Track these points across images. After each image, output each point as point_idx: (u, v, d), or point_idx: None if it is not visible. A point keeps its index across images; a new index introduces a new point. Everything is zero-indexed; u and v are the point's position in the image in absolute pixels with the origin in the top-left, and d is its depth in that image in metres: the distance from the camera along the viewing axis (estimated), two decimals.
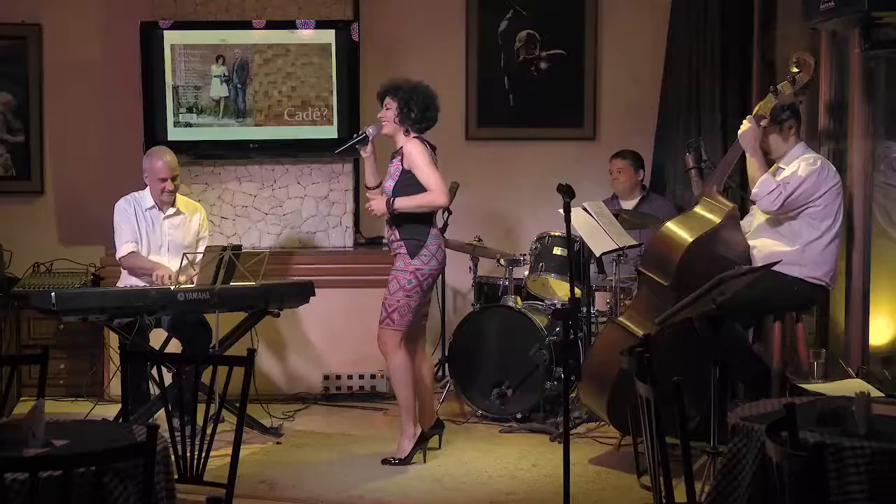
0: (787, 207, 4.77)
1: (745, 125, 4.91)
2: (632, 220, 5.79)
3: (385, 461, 4.88)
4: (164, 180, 5.44)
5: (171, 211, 5.54)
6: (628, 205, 6.26)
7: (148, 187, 5.52)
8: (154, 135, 6.38)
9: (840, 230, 4.86)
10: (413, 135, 4.90)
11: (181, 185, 5.80)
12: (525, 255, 6.00)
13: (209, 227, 5.88)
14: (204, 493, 3.35)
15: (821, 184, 4.76)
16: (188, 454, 3.33)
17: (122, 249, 5.46)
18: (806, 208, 4.78)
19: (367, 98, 6.56)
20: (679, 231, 4.88)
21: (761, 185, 4.79)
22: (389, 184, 4.88)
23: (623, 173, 6.31)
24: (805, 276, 4.79)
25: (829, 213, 4.78)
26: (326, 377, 6.33)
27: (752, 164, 4.88)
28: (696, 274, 4.56)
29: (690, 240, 4.81)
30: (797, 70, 4.87)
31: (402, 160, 4.87)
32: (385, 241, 4.99)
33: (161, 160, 5.44)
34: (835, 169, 4.87)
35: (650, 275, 4.93)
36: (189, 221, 5.61)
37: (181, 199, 5.64)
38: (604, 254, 5.48)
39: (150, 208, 5.51)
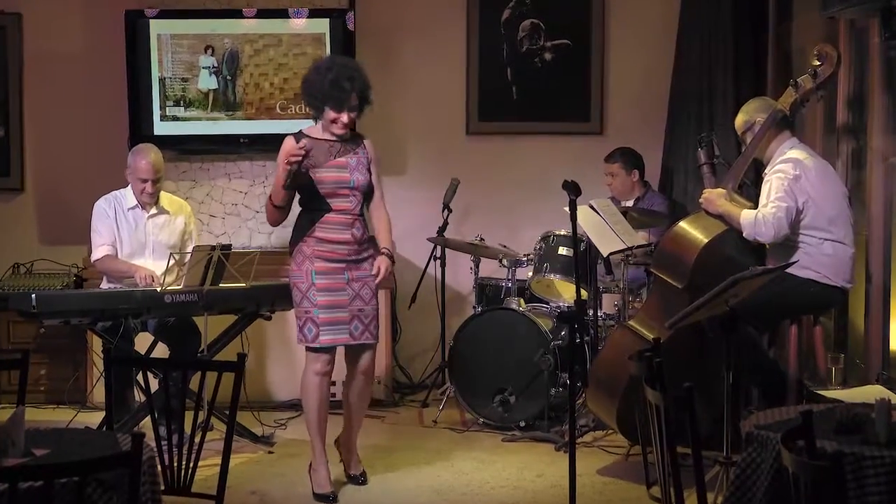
0: (783, 231, 4.73)
1: (708, 195, 4.90)
2: (640, 218, 5.79)
3: (360, 481, 4.80)
4: (144, 181, 5.42)
5: (154, 210, 5.54)
6: (629, 202, 6.25)
7: (130, 185, 5.52)
8: (140, 129, 6.40)
9: (846, 231, 4.81)
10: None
11: (168, 181, 5.82)
12: (529, 255, 6.00)
13: (197, 225, 5.88)
14: None
15: (796, 195, 4.72)
16: (175, 464, 3.33)
17: (97, 252, 5.46)
18: (799, 221, 4.76)
19: None
20: (693, 231, 4.88)
21: (747, 226, 4.75)
22: (362, 178, 4.62)
23: (616, 177, 6.30)
24: (818, 279, 4.78)
25: (820, 220, 4.75)
26: None
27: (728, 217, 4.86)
28: (710, 275, 4.55)
29: (705, 240, 4.81)
30: (818, 63, 4.86)
31: (366, 154, 4.69)
32: (354, 242, 4.61)
33: (145, 159, 5.43)
34: (814, 173, 4.79)
35: (662, 276, 4.93)
36: (174, 221, 5.60)
37: (165, 197, 5.63)
38: (611, 254, 5.47)
39: (133, 208, 5.51)
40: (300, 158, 4.45)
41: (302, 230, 4.63)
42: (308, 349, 4.64)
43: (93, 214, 5.51)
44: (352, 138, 4.66)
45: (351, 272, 4.61)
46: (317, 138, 4.61)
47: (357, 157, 4.65)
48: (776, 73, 6.10)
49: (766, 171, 4.89)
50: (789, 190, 4.70)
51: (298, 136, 4.61)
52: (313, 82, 4.56)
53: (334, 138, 4.62)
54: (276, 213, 4.65)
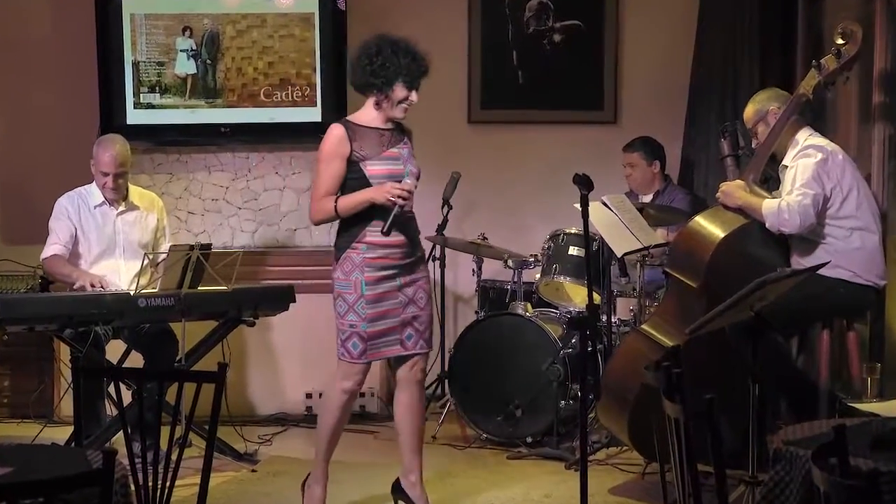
0: (810, 220, 4.74)
1: (726, 187, 4.93)
2: (658, 215, 5.79)
3: None
4: (106, 175, 5.42)
5: (123, 206, 5.53)
6: (647, 198, 6.26)
7: (95, 180, 5.52)
8: (111, 118, 6.40)
9: (873, 217, 4.84)
10: None
11: (142, 175, 5.80)
12: (536, 255, 6.00)
13: (174, 223, 5.88)
14: None
15: (824, 181, 4.75)
16: (150, 484, 3.33)
17: (47, 251, 5.46)
18: (825, 210, 4.78)
19: None
20: (709, 226, 4.90)
21: (770, 216, 4.78)
22: (415, 170, 4.57)
23: (636, 168, 6.31)
24: (850, 278, 4.79)
25: (847, 208, 4.77)
26: (309, 395, 6.33)
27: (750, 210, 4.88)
28: (729, 275, 4.58)
29: (722, 235, 4.84)
30: (842, 42, 4.87)
31: (411, 145, 4.65)
32: (408, 244, 4.53)
33: (108, 152, 5.42)
34: (841, 156, 4.84)
35: (677, 276, 4.95)
36: (146, 217, 5.60)
37: (135, 192, 5.63)
38: (626, 254, 5.48)
39: (100, 205, 5.50)
40: (405, 201, 4.39)
41: (351, 234, 4.48)
42: (342, 361, 4.52)
43: (53, 210, 5.51)
44: (396, 127, 4.59)
45: (403, 277, 4.52)
46: (365, 126, 4.51)
47: (407, 147, 4.59)
48: (805, 56, 6.10)
49: (783, 161, 4.91)
50: (816, 176, 4.73)
51: (345, 124, 4.49)
52: (385, 53, 4.44)
53: (385, 126, 4.54)
54: (331, 220, 4.55)
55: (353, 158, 4.44)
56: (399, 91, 4.46)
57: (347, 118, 4.56)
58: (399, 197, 4.36)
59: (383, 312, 4.47)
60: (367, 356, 4.49)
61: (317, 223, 4.71)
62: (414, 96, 4.50)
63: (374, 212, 4.42)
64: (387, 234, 4.39)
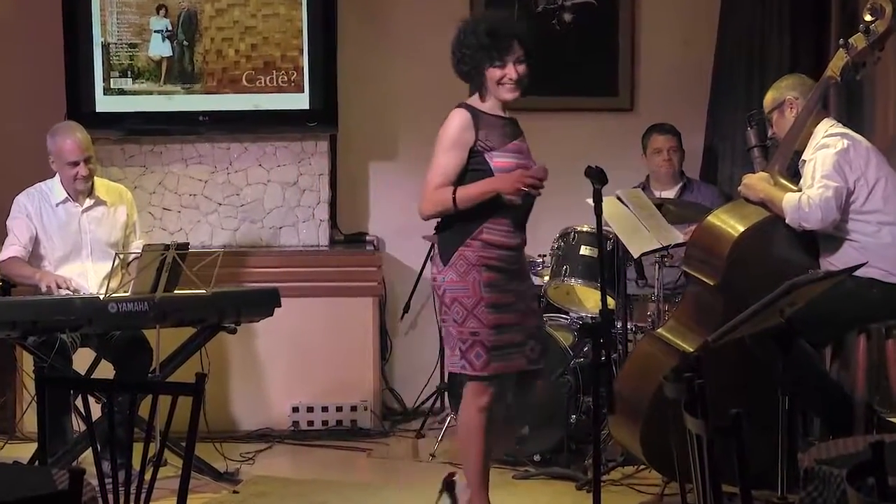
0: (832, 215, 4.76)
1: (748, 180, 4.97)
2: (678, 211, 5.78)
3: None
4: (75, 164, 5.41)
5: (89, 202, 5.52)
6: (667, 194, 6.25)
7: (57, 175, 5.50)
8: (78, 105, 6.40)
9: None
10: None
11: (113, 168, 5.77)
12: (545, 256, 6.00)
13: (147, 220, 5.86)
14: None
15: (846, 172, 4.77)
16: None
17: (4, 252, 5.45)
18: (850, 204, 4.80)
19: (346, 59, 6.58)
20: (729, 219, 4.94)
21: (790, 211, 4.80)
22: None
23: (676, 154, 6.31)
24: (882, 277, 4.80)
25: (873, 202, 4.80)
26: (295, 409, 6.32)
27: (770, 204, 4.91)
28: (751, 273, 4.63)
29: (742, 229, 4.86)
30: (872, 18, 4.88)
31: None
32: (520, 248, 4.51)
33: (70, 138, 5.41)
34: (864, 146, 4.86)
35: (694, 273, 4.98)
36: (114, 213, 5.59)
37: (101, 184, 5.61)
38: (643, 254, 5.48)
39: (63, 202, 5.49)
40: (537, 191, 4.34)
41: (464, 231, 4.39)
42: (471, 379, 4.41)
43: (11, 209, 5.51)
44: (511, 120, 4.51)
45: (516, 283, 4.46)
46: (487, 114, 4.44)
47: (526, 144, 4.52)
48: (839, 35, 6.09)
49: (803, 155, 4.93)
50: (838, 167, 4.75)
51: (468, 109, 4.42)
52: (465, 39, 4.38)
53: (504, 115, 4.47)
54: (445, 213, 4.42)
55: (476, 148, 4.38)
56: (492, 73, 4.39)
57: (469, 103, 4.47)
58: (532, 186, 4.30)
59: (504, 321, 4.37)
60: (491, 368, 4.34)
61: (428, 217, 4.53)
62: (510, 70, 4.39)
63: (491, 207, 4.36)
64: (518, 227, 4.38)
